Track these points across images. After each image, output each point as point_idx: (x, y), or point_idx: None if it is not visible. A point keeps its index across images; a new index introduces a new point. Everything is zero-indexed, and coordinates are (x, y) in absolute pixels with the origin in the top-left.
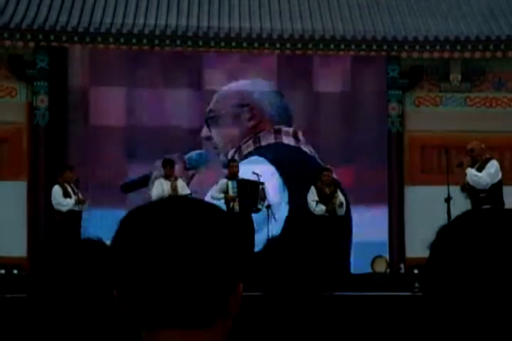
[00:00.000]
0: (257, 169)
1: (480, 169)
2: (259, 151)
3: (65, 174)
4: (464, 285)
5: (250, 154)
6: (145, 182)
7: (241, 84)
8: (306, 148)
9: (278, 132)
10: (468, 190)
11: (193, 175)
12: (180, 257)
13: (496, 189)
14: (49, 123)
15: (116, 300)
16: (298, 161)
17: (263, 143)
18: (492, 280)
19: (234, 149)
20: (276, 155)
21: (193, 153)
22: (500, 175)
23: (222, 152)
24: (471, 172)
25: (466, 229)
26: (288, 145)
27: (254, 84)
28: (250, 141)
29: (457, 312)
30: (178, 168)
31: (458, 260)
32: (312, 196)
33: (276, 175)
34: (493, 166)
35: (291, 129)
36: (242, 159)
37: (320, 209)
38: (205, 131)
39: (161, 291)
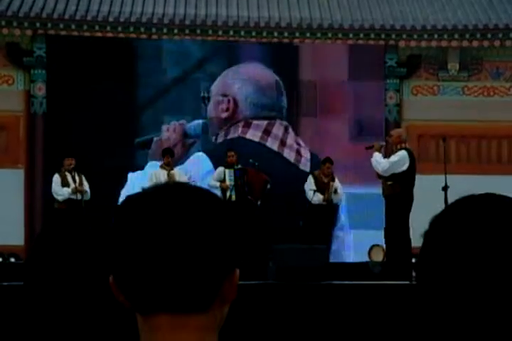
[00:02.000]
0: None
1: (389, 156)
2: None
3: (64, 162)
4: (457, 274)
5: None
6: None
7: (244, 70)
8: (274, 145)
9: (247, 126)
10: (379, 176)
11: (191, 144)
12: (176, 242)
13: (402, 179)
14: (47, 111)
15: (112, 287)
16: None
17: (230, 136)
18: (485, 268)
19: (214, 137)
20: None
21: (195, 123)
22: (405, 167)
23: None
24: (375, 156)
25: (458, 218)
26: (250, 141)
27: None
28: (223, 133)
29: (451, 302)
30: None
31: (451, 249)
32: (310, 185)
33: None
34: (397, 156)
35: (264, 122)
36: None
37: (317, 198)
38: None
39: (156, 275)
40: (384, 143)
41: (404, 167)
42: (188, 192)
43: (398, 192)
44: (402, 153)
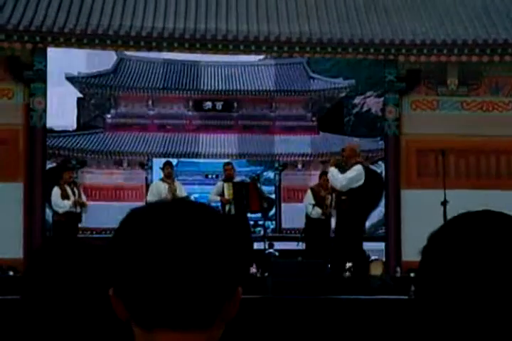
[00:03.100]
0: None
1: (345, 171)
2: None
3: (63, 175)
4: (456, 290)
5: None
6: None
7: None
8: None
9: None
10: (333, 190)
11: None
12: (182, 258)
13: (357, 194)
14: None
15: (112, 299)
16: None
17: None
18: (484, 284)
19: None
20: None
21: None
22: (361, 181)
23: None
24: (331, 171)
25: (456, 234)
26: None
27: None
28: None
29: (449, 316)
30: None
31: (448, 264)
32: (308, 199)
33: None
34: (354, 171)
35: None
36: None
37: (316, 212)
38: None
39: (161, 291)
40: (340, 158)
41: (361, 181)
42: (195, 208)
43: (353, 206)
44: (358, 167)
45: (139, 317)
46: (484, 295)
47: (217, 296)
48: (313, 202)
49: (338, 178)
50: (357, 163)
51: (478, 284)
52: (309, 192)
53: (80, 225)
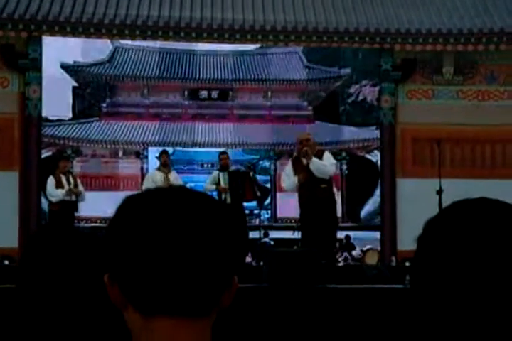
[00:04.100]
0: None
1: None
2: None
3: (59, 164)
4: (451, 278)
5: None
6: None
7: None
8: None
9: None
10: (307, 181)
11: None
12: (183, 243)
13: (330, 181)
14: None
15: (107, 286)
16: None
17: None
18: (480, 272)
19: None
20: None
21: None
22: None
23: None
24: (317, 161)
25: (452, 222)
26: None
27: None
28: None
29: (446, 305)
30: None
31: (444, 252)
32: (286, 170)
33: None
34: (329, 157)
35: None
36: None
37: (288, 183)
38: None
39: (163, 278)
40: (308, 148)
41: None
42: (192, 196)
43: (331, 194)
44: (329, 154)
45: (138, 303)
46: (480, 283)
47: (216, 284)
48: (291, 173)
49: (327, 166)
50: (323, 150)
51: (474, 272)
52: (289, 162)
53: (76, 214)
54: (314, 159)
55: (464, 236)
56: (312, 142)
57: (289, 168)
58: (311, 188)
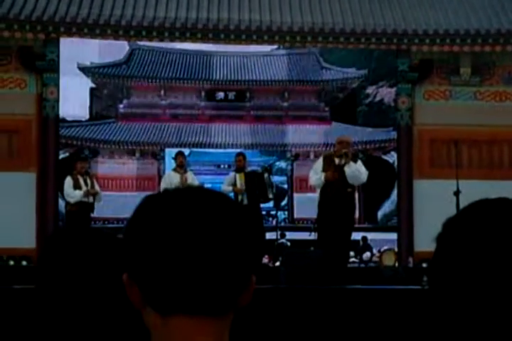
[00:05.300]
0: None
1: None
2: None
3: (76, 165)
4: (470, 278)
5: None
6: None
7: None
8: None
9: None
10: (336, 181)
11: None
12: (202, 243)
13: (355, 187)
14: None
15: (126, 286)
16: None
17: None
18: (499, 272)
19: None
20: None
21: None
22: None
23: None
24: (355, 166)
25: (472, 221)
26: None
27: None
28: None
29: (464, 306)
30: None
31: (464, 252)
32: (315, 166)
33: None
34: (363, 166)
35: None
36: None
37: (315, 178)
38: None
39: (182, 277)
40: (348, 152)
41: None
42: (210, 195)
43: (352, 198)
44: (361, 162)
45: (157, 303)
46: (501, 284)
47: (234, 283)
48: (320, 169)
49: (362, 173)
50: (356, 158)
51: (494, 272)
52: (320, 159)
53: (92, 215)
54: (352, 163)
55: (484, 236)
56: (351, 146)
57: (318, 163)
58: (337, 189)
